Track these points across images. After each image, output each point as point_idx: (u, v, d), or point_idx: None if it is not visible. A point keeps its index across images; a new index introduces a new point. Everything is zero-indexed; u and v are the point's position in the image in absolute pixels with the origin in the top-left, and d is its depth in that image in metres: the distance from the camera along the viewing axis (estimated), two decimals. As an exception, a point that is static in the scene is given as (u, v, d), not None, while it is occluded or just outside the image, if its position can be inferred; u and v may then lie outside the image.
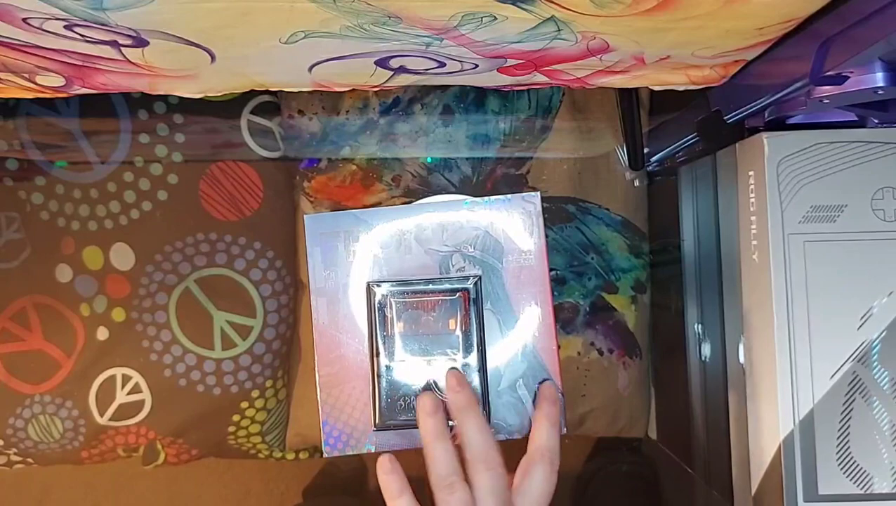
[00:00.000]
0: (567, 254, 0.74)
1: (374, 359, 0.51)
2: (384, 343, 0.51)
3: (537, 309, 0.52)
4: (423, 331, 0.51)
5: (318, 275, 0.52)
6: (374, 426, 0.51)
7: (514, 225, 0.52)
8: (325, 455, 0.52)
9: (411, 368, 0.51)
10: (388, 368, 0.51)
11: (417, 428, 0.49)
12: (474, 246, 0.52)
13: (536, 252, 0.52)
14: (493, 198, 0.53)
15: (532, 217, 0.52)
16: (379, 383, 0.51)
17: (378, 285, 0.51)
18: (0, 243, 0.71)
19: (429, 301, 0.51)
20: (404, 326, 0.51)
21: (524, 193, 0.52)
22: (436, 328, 0.51)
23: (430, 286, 0.51)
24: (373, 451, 0.52)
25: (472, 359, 0.51)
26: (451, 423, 0.50)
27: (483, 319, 0.51)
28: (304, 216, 0.53)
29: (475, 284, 0.51)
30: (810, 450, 0.47)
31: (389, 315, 0.51)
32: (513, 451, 0.48)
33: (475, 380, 0.51)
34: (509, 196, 0.52)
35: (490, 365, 0.51)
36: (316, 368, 0.52)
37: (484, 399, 0.51)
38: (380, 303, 0.51)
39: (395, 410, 0.51)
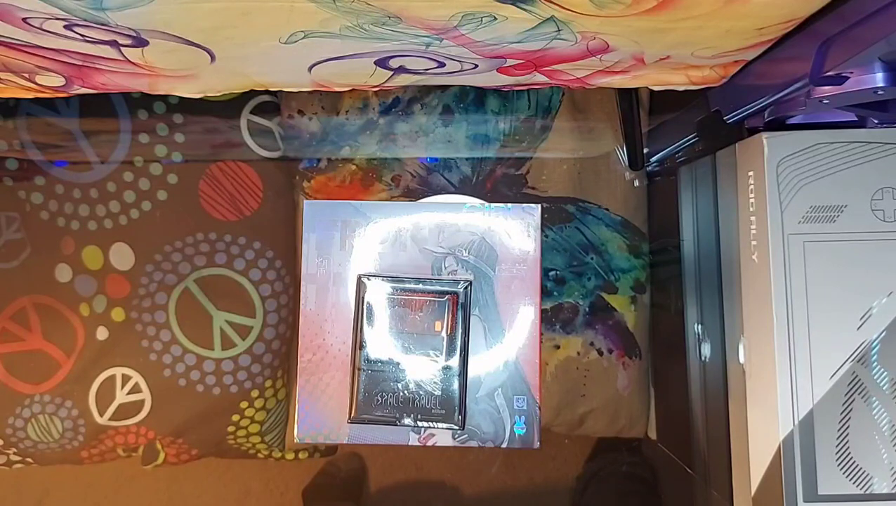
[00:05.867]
0: (567, 254, 0.74)
1: (357, 351, 0.51)
2: (368, 337, 0.51)
3: (525, 321, 0.52)
4: (408, 329, 0.51)
5: (311, 262, 0.52)
6: (349, 419, 0.51)
7: (511, 234, 0.52)
8: (297, 440, 0.52)
9: (392, 365, 0.51)
10: (369, 362, 0.51)
11: (392, 424, 0.49)
12: (469, 251, 0.52)
13: (530, 264, 0.52)
14: (493, 205, 0.53)
15: (530, 228, 0.52)
16: (358, 376, 0.51)
17: (369, 279, 0.52)
18: (0, 243, 0.71)
19: (417, 300, 0.51)
20: (390, 322, 0.51)
21: (525, 205, 0.52)
22: (421, 328, 0.51)
23: (421, 286, 0.51)
24: (345, 442, 0.52)
25: (454, 362, 0.51)
26: (423, 424, 0.50)
27: (469, 325, 0.51)
28: (304, 202, 0.53)
29: (465, 288, 0.51)
30: (810, 450, 0.47)
31: (377, 310, 0.51)
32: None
33: (454, 384, 0.51)
34: (510, 205, 0.52)
35: (471, 371, 0.52)
36: (298, 353, 0.52)
37: (461, 404, 0.51)
38: (368, 297, 0.51)
39: (372, 404, 0.51)
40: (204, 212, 0.72)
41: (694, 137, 0.64)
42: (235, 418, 0.73)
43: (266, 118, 0.73)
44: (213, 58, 0.44)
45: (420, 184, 0.73)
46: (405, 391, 0.51)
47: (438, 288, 0.51)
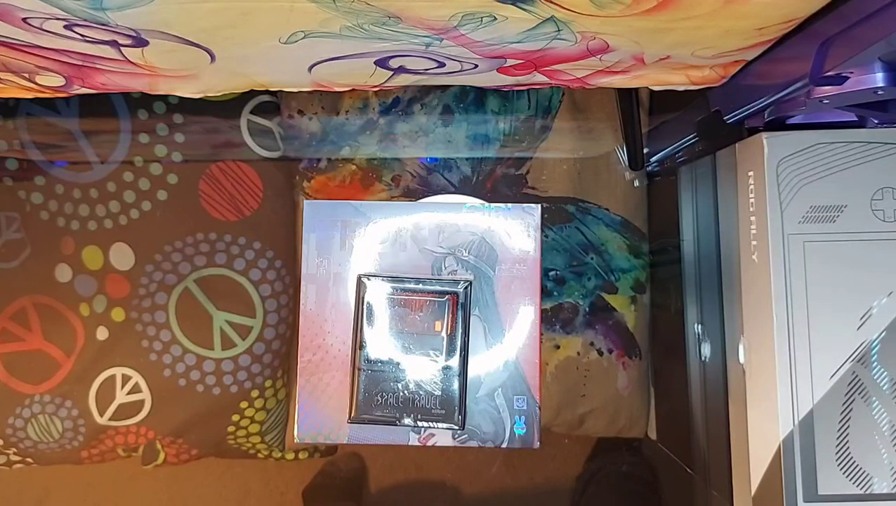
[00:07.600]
0: (567, 254, 0.74)
1: (356, 351, 0.51)
2: (368, 337, 0.51)
3: (525, 321, 0.52)
4: (408, 329, 0.51)
5: (311, 261, 0.52)
6: (349, 419, 0.51)
7: (511, 234, 0.52)
8: (297, 440, 0.52)
9: (392, 365, 0.51)
10: (368, 362, 0.51)
11: (392, 424, 0.49)
12: (469, 251, 0.52)
13: (530, 264, 0.52)
14: (493, 205, 0.53)
15: (530, 228, 0.52)
16: (358, 376, 0.51)
17: (369, 279, 0.52)
18: (0, 243, 0.71)
19: (417, 300, 0.51)
20: (390, 322, 0.51)
21: (525, 205, 0.52)
22: (421, 328, 0.51)
23: (421, 286, 0.51)
24: (345, 442, 0.52)
25: (454, 362, 0.51)
26: (423, 424, 0.50)
27: (469, 325, 0.51)
28: (304, 202, 0.53)
29: (465, 288, 0.51)
30: (810, 450, 0.47)
31: (377, 310, 0.51)
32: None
33: (454, 384, 0.51)
34: (510, 205, 0.52)
35: (471, 371, 0.52)
36: (298, 353, 0.52)
37: (461, 404, 0.51)
38: (368, 297, 0.51)
39: (372, 404, 0.51)
40: (204, 212, 0.72)
41: (694, 137, 0.64)
42: (235, 418, 0.73)
43: (266, 118, 0.73)
44: (213, 58, 0.44)
45: (420, 184, 0.73)
46: (405, 391, 0.51)
47: (438, 288, 0.51)
